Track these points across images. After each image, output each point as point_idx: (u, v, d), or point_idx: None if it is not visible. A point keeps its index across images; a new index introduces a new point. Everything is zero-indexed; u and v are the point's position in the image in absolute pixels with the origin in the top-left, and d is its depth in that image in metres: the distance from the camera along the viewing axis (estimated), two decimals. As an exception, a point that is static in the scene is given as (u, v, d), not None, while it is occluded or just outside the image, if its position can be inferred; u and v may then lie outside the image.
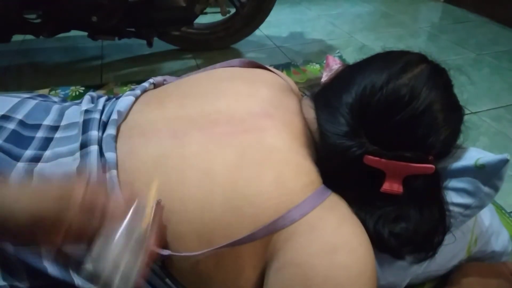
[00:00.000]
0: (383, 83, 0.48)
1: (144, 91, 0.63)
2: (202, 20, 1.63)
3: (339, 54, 1.58)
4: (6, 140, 0.49)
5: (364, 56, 0.57)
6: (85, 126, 0.52)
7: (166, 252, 0.44)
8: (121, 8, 1.33)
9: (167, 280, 0.47)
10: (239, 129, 0.50)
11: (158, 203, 0.44)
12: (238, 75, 0.64)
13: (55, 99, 0.64)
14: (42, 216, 0.37)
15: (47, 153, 0.50)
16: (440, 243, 0.52)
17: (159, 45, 1.68)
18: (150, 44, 1.52)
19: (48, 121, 0.55)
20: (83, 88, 1.33)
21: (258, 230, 0.43)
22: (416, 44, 1.91)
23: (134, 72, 1.57)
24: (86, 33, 1.44)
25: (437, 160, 0.51)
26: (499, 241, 0.71)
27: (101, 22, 1.34)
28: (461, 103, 0.54)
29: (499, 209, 0.90)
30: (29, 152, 0.49)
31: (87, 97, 0.61)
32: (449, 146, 0.53)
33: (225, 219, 0.43)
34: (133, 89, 0.62)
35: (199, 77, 0.64)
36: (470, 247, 0.67)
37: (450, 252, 0.64)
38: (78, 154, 0.49)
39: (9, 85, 1.47)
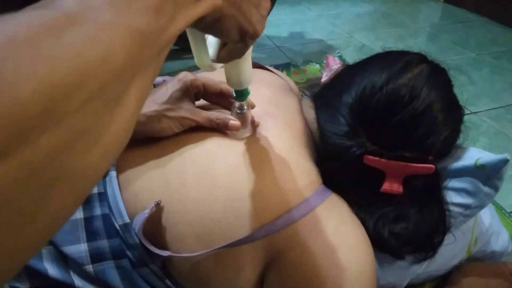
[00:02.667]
0: (383, 83, 0.48)
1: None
2: (202, 20, 1.63)
3: (339, 54, 1.58)
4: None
5: (364, 56, 0.57)
6: None
7: (166, 253, 0.44)
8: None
9: (167, 281, 0.47)
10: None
11: (158, 204, 0.44)
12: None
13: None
14: None
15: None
16: (440, 243, 0.52)
17: (159, 45, 1.68)
18: (150, 44, 1.52)
19: None
20: (83, 89, 1.33)
21: (258, 231, 0.43)
22: (416, 44, 1.91)
23: (134, 72, 1.57)
24: (86, 34, 1.43)
25: (437, 160, 0.51)
26: (499, 241, 0.71)
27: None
28: (461, 103, 0.54)
29: (499, 209, 0.90)
30: None
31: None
32: (449, 146, 0.53)
33: (225, 220, 0.43)
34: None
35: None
36: (470, 247, 0.67)
37: (450, 252, 0.64)
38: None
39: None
